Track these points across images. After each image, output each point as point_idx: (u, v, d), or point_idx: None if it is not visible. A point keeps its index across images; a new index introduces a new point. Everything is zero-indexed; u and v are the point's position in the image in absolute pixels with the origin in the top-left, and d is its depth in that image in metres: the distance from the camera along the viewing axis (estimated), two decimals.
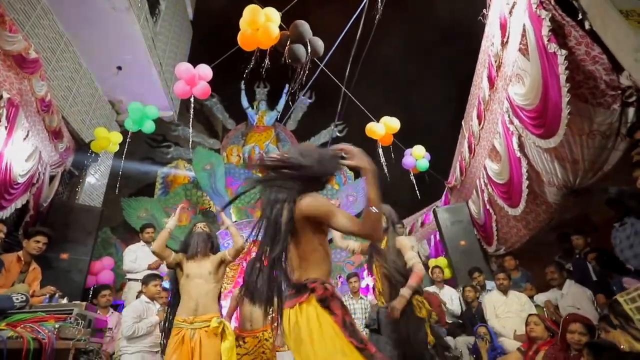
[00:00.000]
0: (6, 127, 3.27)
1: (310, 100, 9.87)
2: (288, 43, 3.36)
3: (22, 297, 2.26)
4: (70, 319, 2.23)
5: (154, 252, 2.59)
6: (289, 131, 9.63)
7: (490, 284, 4.37)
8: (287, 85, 9.54)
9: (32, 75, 3.63)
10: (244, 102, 9.65)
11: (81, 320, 2.30)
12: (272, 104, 9.76)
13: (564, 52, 2.45)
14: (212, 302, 2.49)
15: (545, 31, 2.54)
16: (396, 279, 2.54)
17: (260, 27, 3.49)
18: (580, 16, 2.45)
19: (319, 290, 1.25)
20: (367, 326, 2.59)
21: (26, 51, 3.45)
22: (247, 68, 3.49)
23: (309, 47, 3.28)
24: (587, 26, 2.43)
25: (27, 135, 3.67)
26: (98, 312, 3.03)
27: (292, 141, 9.38)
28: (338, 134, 9.39)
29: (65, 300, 3.00)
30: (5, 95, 3.23)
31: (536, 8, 2.61)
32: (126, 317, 3.30)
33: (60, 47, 4.90)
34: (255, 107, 9.70)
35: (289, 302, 1.28)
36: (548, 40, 2.53)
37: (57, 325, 2.03)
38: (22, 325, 1.86)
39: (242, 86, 9.62)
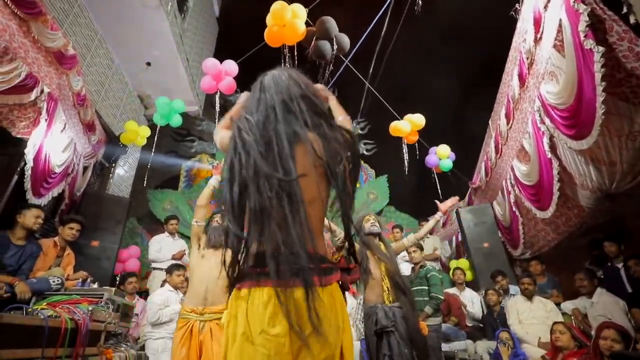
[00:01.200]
0: (46, 120, 3.46)
1: None
2: (314, 39, 3.36)
3: (58, 280, 2.40)
4: (101, 302, 2.35)
5: (198, 206, 2.49)
6: None
7: (514, 289, 4.24)
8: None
9: (69, 71, 3.82)
10: None
11: (111, 304, 2.43)
12: None
13: (600, 49, 2.31)
14: (224, 292, 2.26)
15: (582, 26, 2.40)
16: (399, 278, 2.56)
17: (286, 23, 3.51)
18: (624, 9, 2.31)
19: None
20: (384, 328, 2.48)
21: (65, 48, 3.62)
22: (287, 62, 3.49)
23: (334, 44, 3.27)
24: (632, 20, 2.29)
25: (64, 128, 3.87)
26: (125, 298, 3.16)
27: None
28: (360, 132, 9.32)
29: (96, 285, 3.16)
30: (46, 90, 3.41)
31: (574, 2, 2.48)
32: (151, 304, 3.44)
33: (94, 44, 5.12)
34: None
35: (316, 277, 0.94)
36: (585, 36, 2.39)
37: (90, 308, 2.14)
38: (60, 306, 1.98)
39: None
